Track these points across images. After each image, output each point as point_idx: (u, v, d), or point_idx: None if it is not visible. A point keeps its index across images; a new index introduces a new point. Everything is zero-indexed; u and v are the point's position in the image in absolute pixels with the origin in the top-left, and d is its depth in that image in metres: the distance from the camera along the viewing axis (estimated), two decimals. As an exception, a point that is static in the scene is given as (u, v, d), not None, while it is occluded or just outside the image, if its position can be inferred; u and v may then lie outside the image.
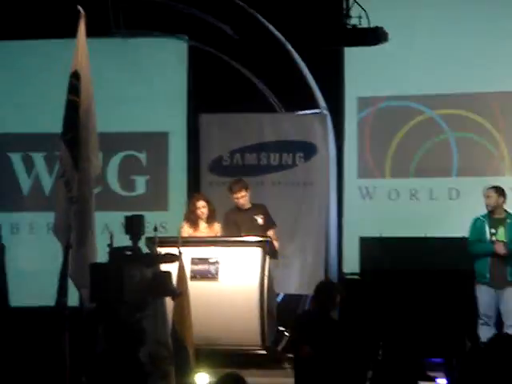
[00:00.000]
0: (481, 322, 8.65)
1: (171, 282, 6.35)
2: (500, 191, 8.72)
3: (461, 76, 9.92)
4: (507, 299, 8.53)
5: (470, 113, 9.95)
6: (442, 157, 9.99)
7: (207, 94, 10.25)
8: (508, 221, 8.62)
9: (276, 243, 8.62)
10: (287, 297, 9.70)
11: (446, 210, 9.82)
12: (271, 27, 9.78)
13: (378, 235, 9.49)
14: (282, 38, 9.83)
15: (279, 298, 9.39)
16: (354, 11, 8.89)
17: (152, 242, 7.26)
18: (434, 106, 10.03)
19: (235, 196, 8.82)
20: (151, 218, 8.60)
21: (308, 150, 9.99)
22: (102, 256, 7.02)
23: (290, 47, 9.81)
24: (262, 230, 8.61)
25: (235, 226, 8.77)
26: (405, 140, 10.08)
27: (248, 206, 8.86)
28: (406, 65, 10.01)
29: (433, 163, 9.99)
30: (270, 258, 8.42)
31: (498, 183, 9.45)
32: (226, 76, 10.11)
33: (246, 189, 8.85)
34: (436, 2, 10.01)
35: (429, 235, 9.33)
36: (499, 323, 8.60)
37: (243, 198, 8.79)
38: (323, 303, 6.70)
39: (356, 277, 9.52)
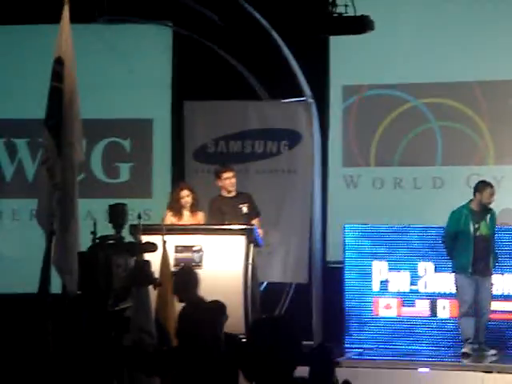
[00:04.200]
0: (462, 312, 8.69)
1: (151, 270, 6.34)
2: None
3: (446, 65, 9.91)
4: (484, 288, 8.64)
5: (454, 102, 9.95)
6: (427, 146, 9.99)
7: (192, 81, 10.21)
8: (489, 215, 8.68)
9: (260, 232, 8.61)
10: (271, 285, 9.70)
11: (430, 198, 9.83)
12: (257, 15, 9.73)
13: (362, 223, 9.51)
14: (268, 26, 9.78)
15: (262, 287, 9.38)
16: (340, -1, 8.86)
17: (136, 230, 7.23)
18: (418, 94, 10.02)
19: (225, 176, 8.78)
20: (135, 206, 8.57)
21: (293, 137, 9.97)
22: (85, 243, 6.99)
23: (275, 35, 9.77)
24: (246, 219, 8.59)
25: (220, 213, 8.74)
26: (389, 129, 10.08)
27: (234, 193, 8.84)
28: (392, 53, 10.00)
29: (417, 152, 9.99)
30: (254, 246, 8.41)
31: (481, 172, 9.51)
32: (211, 63, 10.07)
33: (234, 172, 8.84)
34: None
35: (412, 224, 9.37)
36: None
37: (231, 180, 8.76)
38: None
39: (339, 265, 9.53)
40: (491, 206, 8.81)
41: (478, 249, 8.59)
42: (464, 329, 8.68)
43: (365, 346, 9.15)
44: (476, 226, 8.63)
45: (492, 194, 8.71)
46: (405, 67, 10.00)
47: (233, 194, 8.85)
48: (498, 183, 9.57)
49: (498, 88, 9.82)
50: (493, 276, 8.76)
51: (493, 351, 8.63)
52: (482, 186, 8.74)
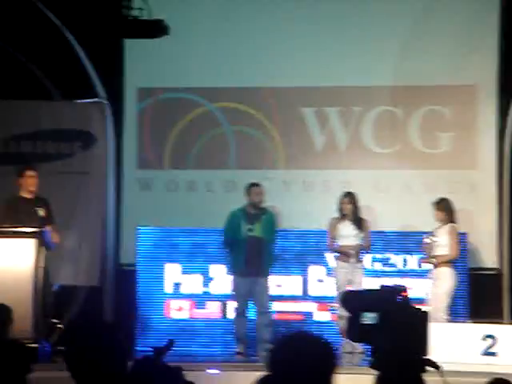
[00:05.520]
0: (236, 312, 8.91)
1: None
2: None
3: (240, 70, 10.11)
4: (259, 288, 8.81)
5: (247, 107, 10.17)
6: (220, 149, 10.16)
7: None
8: (263, 216, 8.93)
9: (55, 236, 8.45)
10: (63, 287, 9.56)
11: (223, 201, 9.99)
12: (50, 13, 9.56)
13: (156, 226, 9.57)
14: (61, 25, 9.63)
15: (54, 289, 9.22)
16: (136, 2, 8.85)
17: None
18: (213, 98, 10.17)
19: (28, 174, 8.54)
20: None
21: (86, 139, 9.88)
22: None
23: (68, 34, 9.63)
24: (41, 222, 8.39)
25: (15, 213, 8.50)
26: (184, 132, 10.17)
27: (32, 195, 8.60)
28: (187, 57, 10.10)
29: (211, 156, 10.14)
30: (46, 249, 8.26)
31: (272, 176, 9.79)
32: (2, 61, 9.80)
33: (37, 172, 8.64)
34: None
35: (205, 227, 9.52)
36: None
37: (34, 179, 8.54)
38: None
39: (132, 268, 9.54)
40: (265, 206, 9.06)
41: (251, 249, 8.79)
42: (237, 329, 8.89)
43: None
44: (249, 227, 8.84)
45: (258, 193, 8.97)
46: (200, 71, 10.12)
47: (31, 196, 8.62)
48: (287, 187, 9.89)
49: (290, 95, 10.12)
50: (270, 277, 8.94)
51: None
52: (249, 187, 9.06)
